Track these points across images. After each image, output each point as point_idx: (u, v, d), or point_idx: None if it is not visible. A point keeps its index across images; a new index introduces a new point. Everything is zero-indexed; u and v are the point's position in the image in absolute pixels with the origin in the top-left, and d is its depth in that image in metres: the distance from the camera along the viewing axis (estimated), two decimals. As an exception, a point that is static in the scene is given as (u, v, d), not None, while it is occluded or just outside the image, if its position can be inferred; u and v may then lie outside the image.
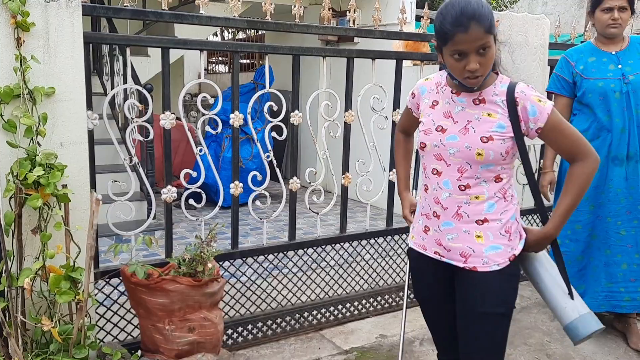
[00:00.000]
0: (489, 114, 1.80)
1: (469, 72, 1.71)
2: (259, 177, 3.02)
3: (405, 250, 2.08)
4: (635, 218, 3.11)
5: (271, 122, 3.02)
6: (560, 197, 1.93)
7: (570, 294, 1.94)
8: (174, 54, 6.04)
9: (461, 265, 1.85)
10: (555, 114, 1.79)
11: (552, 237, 1.94)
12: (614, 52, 3.11)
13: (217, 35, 10.02)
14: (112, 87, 5.33)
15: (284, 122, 3.03)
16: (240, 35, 10.42)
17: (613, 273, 3.17)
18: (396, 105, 3.35)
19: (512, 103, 1.79)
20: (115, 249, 2.24)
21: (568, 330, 1.92)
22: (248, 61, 10.38)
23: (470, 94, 1.83)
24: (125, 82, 4.79)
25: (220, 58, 10.90)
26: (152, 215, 2.74)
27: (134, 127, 2.61)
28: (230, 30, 10.35)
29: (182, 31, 5.99)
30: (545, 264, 1.97)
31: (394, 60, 3.35)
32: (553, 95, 3.33)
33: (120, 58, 4.96)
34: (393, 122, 3.31)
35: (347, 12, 3.14)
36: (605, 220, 3.16)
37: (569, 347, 3.16)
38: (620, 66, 3.07)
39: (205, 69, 2.99)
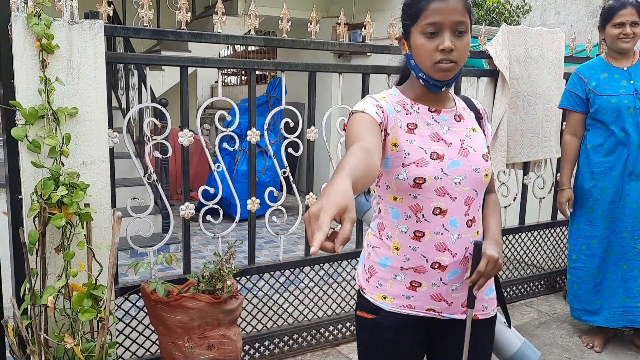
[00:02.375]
0: (473, 129, 1.59)
1: (442, 52, 1.42)
2: (276, 193, 3.03)
3: (372, 321, 1.60)
4: None
5: (287, 138, 3.03)
6: (490, 217, 1.64)
7: (508, 323, 1.80)
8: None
9: (462, 317, 1.56)
10: None
11: (501, 245, 1.59)
12: (625, 68, 3.12)
13: (228, 48, 10.09)
14: (127, 101, 5.38)
15: (298, 136, 3.04)
16: (252, 47, 10.49)
17: (630, 288, 3.16)
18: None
19: (478, 116, 1.65)
20: (135, 267, 2.26)
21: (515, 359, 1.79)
22: (259, 73, 10.45)
23: (449, 111, 1.57)
24: (140, 97, 4.85)
25: (231, 70, 10.98)
26: (170, 231, 2.76)
27: (151, 145, 2.64)
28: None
29: (196, 45, 6.04)
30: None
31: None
32: (566, 111, 3.34)
33: (136, 72, 5.02)
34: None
35: (363, 27, 3.16)
36: (622, 236, 3.15)
37: (588, 363, 3.14)
38: (632, 82, 3.07)
39: (216, 81, 3.02)
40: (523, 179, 3.88)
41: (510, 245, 3.96)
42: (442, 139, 1.51)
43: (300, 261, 3.10)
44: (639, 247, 3.11)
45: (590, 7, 13.47)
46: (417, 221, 1.50)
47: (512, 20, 9.91)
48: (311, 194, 3.08)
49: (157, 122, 2.69)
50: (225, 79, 11.87)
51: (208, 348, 2.35)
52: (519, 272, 4.03)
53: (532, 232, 4.04)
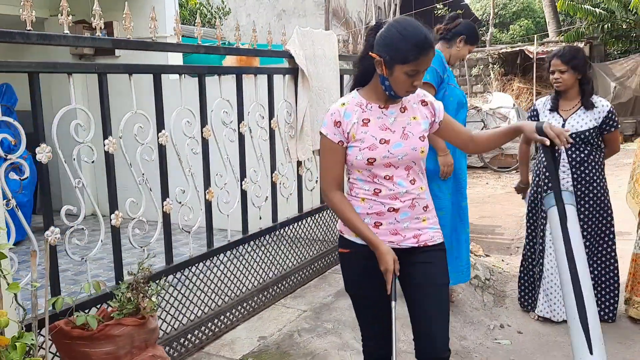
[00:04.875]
0: (414, 118, 2.17)
1: (414, 87, 2.05)
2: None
3: (348, 253, 2.25)
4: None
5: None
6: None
7: (590, 348, 2.20)
8: None
9: (415, 245, 2.17)
10: None
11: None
12: (451, 68, 3.70)
13: None
14: None
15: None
16: None
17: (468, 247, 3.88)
18: (240, 118, 3.48)
19: (423, 103, 2.20)
20: (57, 302, 1.93)
21: None
22: None
23: (396, 105, 2.15)
24: None
25: None
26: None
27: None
28: None
29: None
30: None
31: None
32: (426, 87, 3.31)
33: None
34: (241, 135, 3.44)
35: (123, 22, 2.75)
36: (461, 205, 3.73)
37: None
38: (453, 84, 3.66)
39: None
40: (298, 170, 4.10)
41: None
42: (389, 128, 2.13)
43: (164, 271, 2.97)
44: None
45: (275, 11, 15.03)
46: (375, 183, 2.14)
47: (215, 21, 10.44)
48: (168, 199, 2.96)
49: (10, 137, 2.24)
50: None
51: (141, 373, 2.16)
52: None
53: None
